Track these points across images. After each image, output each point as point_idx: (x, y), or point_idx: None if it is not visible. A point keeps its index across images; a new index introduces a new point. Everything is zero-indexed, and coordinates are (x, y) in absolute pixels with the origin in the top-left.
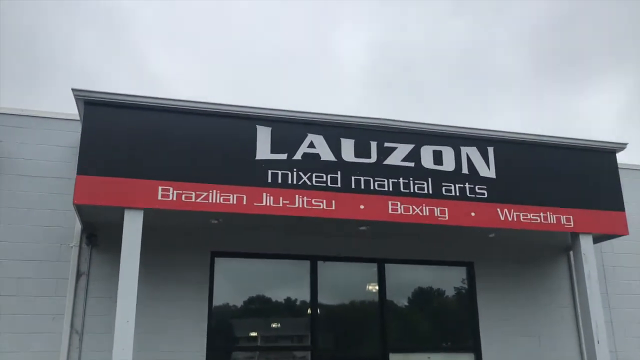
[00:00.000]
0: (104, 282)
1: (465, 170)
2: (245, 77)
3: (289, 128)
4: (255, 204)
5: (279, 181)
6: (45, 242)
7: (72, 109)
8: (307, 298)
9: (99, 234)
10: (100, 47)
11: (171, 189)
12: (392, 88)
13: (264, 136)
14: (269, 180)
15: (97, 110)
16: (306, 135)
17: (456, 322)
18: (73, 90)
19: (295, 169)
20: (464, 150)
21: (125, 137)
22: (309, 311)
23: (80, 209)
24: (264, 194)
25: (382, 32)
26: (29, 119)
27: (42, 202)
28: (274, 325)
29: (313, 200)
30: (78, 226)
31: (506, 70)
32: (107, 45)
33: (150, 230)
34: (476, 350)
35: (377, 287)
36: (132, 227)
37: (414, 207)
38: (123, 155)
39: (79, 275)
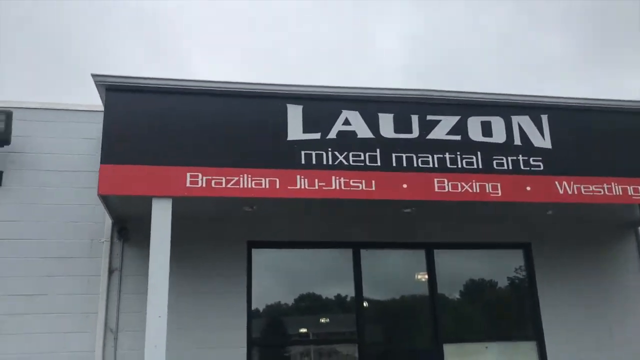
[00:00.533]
0: (138, 277)
1: (517, 141)
2: (280, 72)
3: (322, 105)
4: (289, 187)
5: (313, 162)
6: (76, 238)
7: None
8: (351, 288)
9: (130, 227)
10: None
11: (200, 174)
12: (432, 79)
13: (295, 115)
14: (303, 162)
15: (119, 96)
16: (340, 112)
17: (515, 308)
18: (93, 76)
19: (330, 149)
20: (516, 119)
21: (149, 122)
22: (354, 303)
23: (106, 201)
24: (298, 177)
25: (422, 22)
26: (55, 112)
27: (71, 197)
28: (318, 319)
29: (351, 181)
30: (108, 221)
31: (551, 55)
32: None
33: (182, 220)
34: (538, 338)
35: (426, 276)
36: (161, 216)
37: (462, 183)
38: (148, 141)
39: (111, 271)
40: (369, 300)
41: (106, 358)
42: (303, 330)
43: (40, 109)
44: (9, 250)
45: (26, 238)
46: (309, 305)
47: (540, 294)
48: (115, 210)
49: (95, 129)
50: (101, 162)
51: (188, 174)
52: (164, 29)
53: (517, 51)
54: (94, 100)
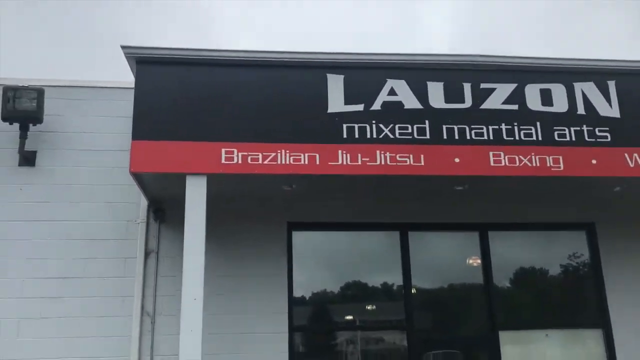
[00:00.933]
0: (174, 259)
1: (581, 110)
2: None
3: (365, 74)
4: (330, 163)
5: (356, 136)
6: (111, 220)
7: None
8: (399, 272)
9: (167, 208)
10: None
11: (235, 150)
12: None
13: (336, 86)
14: (345, 136)
15: (151, 68)
16: (385, 82)
17: (578, 294)
18: (122, 47)
19: (374, 121)
20: (579, 86)
21: (182, 96)
22: (402, 288)
23: (140, 180)
24: (340, 152)
25: (469, 2)
26: (88, 90)
27: (105, 177)
28: (364, 306)
29: (397, 155)
30: (144, 201)
31: (607, 31)
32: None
33: (219, 200)
34: (605, 326)
35: (479, 260)
36: (195, 194)
37: (520, 157)
38: (181, 116)
39: (147, 253)
40: (417, 286)
41: (143, 343)
42: (348, 317)
43: (72, 86)
44: (42, 232)
45: (60, 220)
46: (354, 292)
47: (606, 278)
48: (150, 190)
49: (128, 107)
50: (133, 138)
51: (223, 150)
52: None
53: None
54: (127, 77)
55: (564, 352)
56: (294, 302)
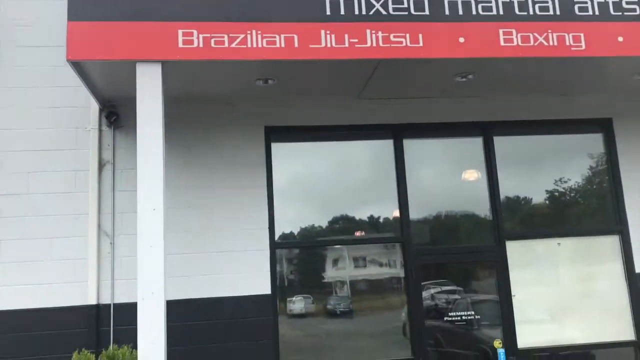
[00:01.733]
0: (133, 172)
1: None
2: None
3: None
4: (310, 46)
5: (342, 12)
6: (57, 127)
7: None
8: (392, 181)
9: (121, 111)
10: None
11: (195, 32)
12: None
13: None
14: (328, 12)
15: None
16: None
17: (593, 198)
18: None
19: None
20: None
21: None
22: (396, 197)
23: (82, 73)
24: (323, 32)
25: None
26: None
27: (47, 77)
28: (352, 220)
29: (391, 35)
30: (94, 104)
31: None
32: None
33: (183, 101)
34: (622, 231)
35: (484, 164)
36: (149, 86)
37: (535, 34)
38: None
39: (101, 164)
40: (412, 193)
41: (102, 266)
42: (336, 232)
43: None
44: None
45: None
46: (342, 205)
47: (624, 179)
48: (98, 88)
49: None
50: (68, 19)
51: (180, 32)
52: None
53: None
54: None
55: (576, 261)
56: (275, 216)
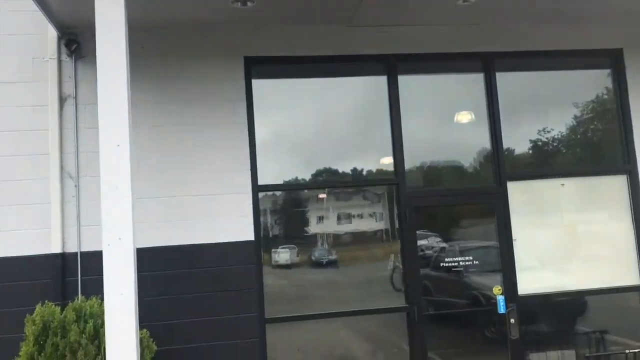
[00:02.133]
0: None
1: None
2: None
3: None
4: None
5: None
6: (10, 58)
7: None
8: (385, 120)
9: (83, 40)
10: None
11: None
12: None
13: None
14: None
15: None
16: None
17: (599, 136)
18: None
19: None
20: None
21: None
22: (389, 136)
23: None
24: None
25: None
26: None
27: None
28: (342, 161)
29: None
30: (52, 31)
31: None
32: None
33: (152, 29)
34: (630, 170)
35: (469, 116)
36: (109, 6)
37: None
38: None
39: (62, 99)
40: (409, 135)
41: (66, 211)
42: (324, 173)
43: None
44: None
45: None
46: (331, 146)
47: (634, 115)
48: (56, 13)
49: None
50: None
51: None
52: None
53: None
54: None
55: (581, 202)
56: (257, 156)
